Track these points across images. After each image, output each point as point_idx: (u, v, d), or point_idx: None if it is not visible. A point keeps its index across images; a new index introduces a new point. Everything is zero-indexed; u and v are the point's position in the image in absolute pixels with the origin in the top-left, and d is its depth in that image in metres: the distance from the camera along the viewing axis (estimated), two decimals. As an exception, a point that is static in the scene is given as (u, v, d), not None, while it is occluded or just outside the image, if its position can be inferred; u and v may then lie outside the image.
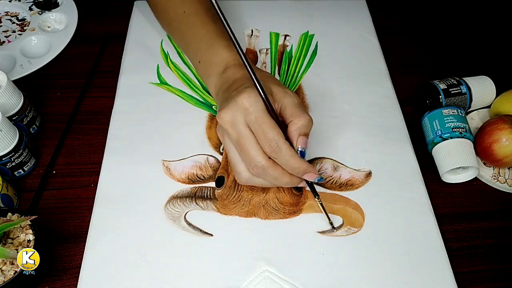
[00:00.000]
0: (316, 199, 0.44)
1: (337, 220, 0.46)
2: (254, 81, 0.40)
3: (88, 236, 0.44)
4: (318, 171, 0.49)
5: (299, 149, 0.41)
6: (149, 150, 0.50)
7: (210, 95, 0.55)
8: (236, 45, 0.39)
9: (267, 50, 0.61)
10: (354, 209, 0.47)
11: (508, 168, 0.52)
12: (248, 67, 0.40)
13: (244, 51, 0.60)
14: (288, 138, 0.41)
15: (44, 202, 0.47)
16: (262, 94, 0.40)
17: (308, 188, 0.45)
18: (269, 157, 0.40)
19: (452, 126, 0.49)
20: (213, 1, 0.38)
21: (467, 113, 0.55)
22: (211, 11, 0.53)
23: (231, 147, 0.42)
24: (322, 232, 0.45)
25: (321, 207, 0.45)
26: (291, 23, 0.64)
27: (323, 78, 0.58)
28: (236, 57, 0.47)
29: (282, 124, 0.41)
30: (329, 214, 0.46)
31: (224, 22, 0.39)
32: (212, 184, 0.48)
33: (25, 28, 0.63)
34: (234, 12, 0.65)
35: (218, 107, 0.45)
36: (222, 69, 0.47)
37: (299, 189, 0.47)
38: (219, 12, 0.38)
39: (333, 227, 0.45)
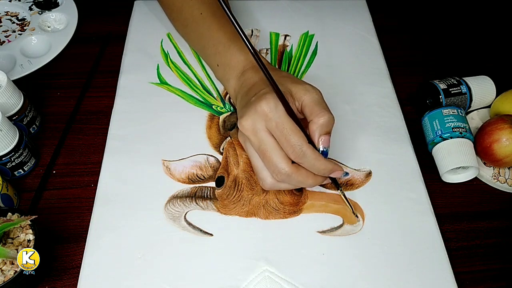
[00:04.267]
0: (339, 191, 0.45)
1: (337, 220, 0.46)
2: (272, 85, 0.39)
3: (88, 236, 0.44)
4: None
5: (321, 149, 0.41)
6: (149, 150, 0.50)
7: (211, 94, 0.55)
8: (250, 49, 0.39)
9: (267, 50, 0.61)
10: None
11: (508, 168, 0.52)
12: (264, 71, 0.39)
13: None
14: (309, 137, 0.41)
15: (44, 202, 0.47)
16: (281, 99, 0.39)
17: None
18: (292, 162, 0.40)
19: (452, 126, 0.49)
20: (223, 6, 0.38)
21: (467, 113, 0.55)
22: None
23: (254, 154, 0.42)
24: (322, 232, 0.45)
25: (344, 198, 0.46)
26: (291, 23, 0.64)
27: (323, 78, 0.58)
28: (253, 59, 0.46)
29: (303, 122, 0.41)
30: (329, 214, 0.46)
31: (236, 25, 0.39)
32: (212, 184, 0.48)
33: (25, 28, 0.63)
34: (234, 12, 0.65)
35: (238, 112, 0.44)
36: (240, 72, 0.47)
37: (299, 189, 0.47)
38: (229, 15, 0.38)
39: (357, 215, 0.46)
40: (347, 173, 0.42)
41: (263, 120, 0.39)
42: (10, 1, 0.65)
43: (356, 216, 0.46)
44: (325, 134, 0.40)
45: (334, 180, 0.45)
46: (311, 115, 0.41)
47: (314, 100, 0.41)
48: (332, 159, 0.50)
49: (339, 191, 0.46)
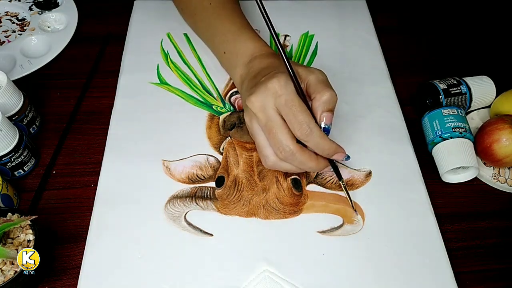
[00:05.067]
0: (340, 182, 0.45)
1: (337, 220, 0.46)
2: (285, 62, 0.40)
3: (88, 236, 0.44)
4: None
5: (323, 125, 0.41)
6: (149, 150, 0.50)
7: (211, 94, 0.55)
8: (272, 32, 0.41)
9: (267, 50, 0.61)
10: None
11: (508, 168, 0.52)
12: (280, 48, 0.40)
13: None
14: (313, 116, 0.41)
15: (44, 202, 0.47)
16: (292, 76, 0.40)
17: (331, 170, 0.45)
18: (297, 142, 0.41)
19: (452, 126, 0.49)
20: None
21: (467, 113, 0.55)
22: (236, 3, 0.54)
23: (259, 132, 0.43)
24: (322, 232, 0.45)
25: (344, 190, 0.46)
26: (291, 23, 0.64)
27: (323, 78, 0.58)
28: (262, 48, 0.48)
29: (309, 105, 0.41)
30: (329, 214, 0.46)
31: (263, 12, 0.41)
32: (212, 184, 0.48)
33: (25, 28, 0.63)
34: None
35: (245, 94, 0.45)
36: (249, 59, 0.48)
37: (299, 189, 0.47)
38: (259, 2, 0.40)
39: (355, 211, 0.46)
40: (349, 157, 0.43)
41: (272, 98, 0.40)
42: (10, 1, 0.65)
43: (355, 211, 0.46)
44: (327, 111, 0.41)
45: (336, 171, 0.45)
46: (314, 92, 0.41)
47: (318, 79, 0.42)
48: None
49: (340, 182, 0.45)
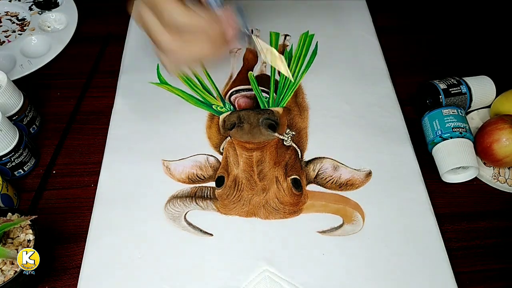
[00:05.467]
0: (252, 35, 0.42)
1: (337, 220, 0.46)
2: None
3: (88, 236, 0.44)
4: (318, 171, 0.49)
5: None
6: (149, 150, 0.50)
7: (211, 94, 0.55)
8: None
9: (267, 50, 0.61)
10: (354, 209, 0.46)
11: (508, 168, 0.52)
12: None
13: (245, 51, 0.60)
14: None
15: (44, 202, 0.47)
16: None
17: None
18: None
19: (452, 126, 0.49)
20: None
21: (467, 113, 0.55)
22: None
23: (150, 17, 0.40)
24: (322, 232, 0.45)
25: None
26: (291, 23, 0.64)
27: (323, 78, 0.58)
28: None
29: None
30: (329, 214, 0.46)
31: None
32: (212, 184, 0.48)
33: (25, 28, 0.63)
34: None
35: None
36: None
37: (299, 189, 0.47)
38: None
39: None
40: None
41: None
42: (10, 1, 0.65)
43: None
44: None
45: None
46: None
47: None
48: (331, 159, 0.50)
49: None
